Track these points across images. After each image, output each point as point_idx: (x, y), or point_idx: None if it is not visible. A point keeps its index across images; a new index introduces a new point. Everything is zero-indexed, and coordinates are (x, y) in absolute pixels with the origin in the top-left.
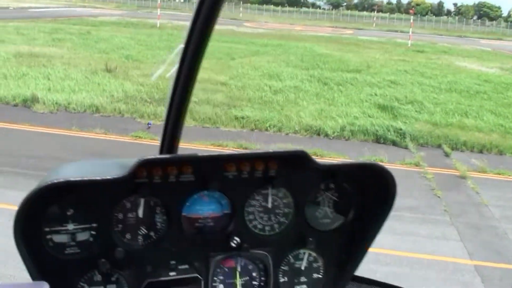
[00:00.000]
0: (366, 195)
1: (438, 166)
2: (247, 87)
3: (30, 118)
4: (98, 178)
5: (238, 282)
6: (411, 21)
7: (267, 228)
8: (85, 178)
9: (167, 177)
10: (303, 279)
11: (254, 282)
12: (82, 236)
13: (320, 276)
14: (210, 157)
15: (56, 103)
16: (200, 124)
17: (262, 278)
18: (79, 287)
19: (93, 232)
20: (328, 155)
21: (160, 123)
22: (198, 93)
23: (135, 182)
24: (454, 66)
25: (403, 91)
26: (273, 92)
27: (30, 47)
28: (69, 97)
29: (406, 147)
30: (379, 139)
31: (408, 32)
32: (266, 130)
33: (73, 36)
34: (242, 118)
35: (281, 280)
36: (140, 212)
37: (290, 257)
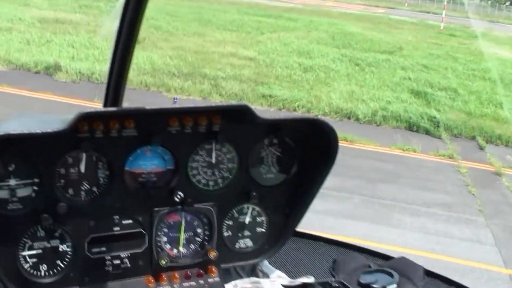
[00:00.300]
0: (309, 150)
1: (472, 159)
2: (276, 64)
3: (51, 86)
4: (38, 131)
5: (182, 236)
6: (445, 3)
7: (211, 183)
8: (25, 132)
9: (109, 132)
10: (246, 233)
11: (198, 237)
12: (24, 192)
13: (263, 230)
14: (152, 111)
15: (79, 72)
16: (226, 99)
17: (206, 232)
18: (22, 243)
19: (35, 188)
20: (359, 141)
21: (186, 97)
22: (225, 67)
23: (77, 137)
24: (487, 53)
25: (436, 76)
26: (302, 70)
27: (55, 12)
28: (92, 66)
29: (439, 137)
30: (412, 127)
31: (441, 14)
32: (295, 110)
33: (101, 3)
34: (270, 96)
35: (225, 234)
36: (82, 167)
37: (234, 211)
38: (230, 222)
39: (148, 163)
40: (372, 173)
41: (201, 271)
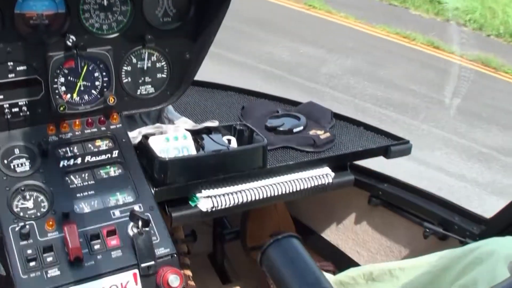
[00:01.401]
0: None
1: None
2: None
3: None
4: None
5: (80, 82)
6: None
7: (105, 27)
8: None
9: None
10: (147, 79)
11: (97, 83)
12: None
13: (164, 76)
14: None
15: None
16: (387, 1)
17: (105, 79)
18: None
19: None
20: None
21: None
22: None
23: None
24: None
25: None
26: None
27: None
28: None
29: None
30: None
31: None
32: (464, 25)
33: None
34: (439, 2)
35: (125, 80)
36: None
37: (132, 57)
38: (129, 68)
39: (39, 5)
40: None
41: (103, 118)
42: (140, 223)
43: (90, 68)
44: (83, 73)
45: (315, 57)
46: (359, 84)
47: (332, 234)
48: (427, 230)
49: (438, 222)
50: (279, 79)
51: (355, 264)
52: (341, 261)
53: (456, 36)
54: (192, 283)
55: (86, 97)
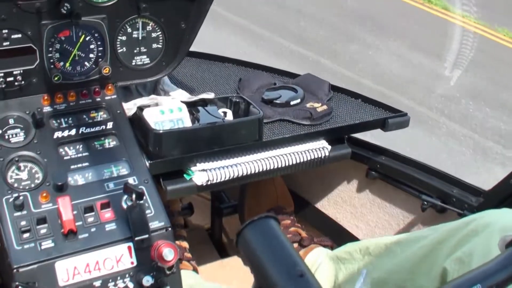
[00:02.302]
0: None
1: None
2: None
3: None
4: None
5: (75, 51)
6: None
7: None
8: None
9: None
10: (142, 49)
11: (92, 53)
12: None
13: (159, 46)
14: None
15: None
16: None
17: (100, 48)
18: None
19: None
20: None
21: None
22: None
23: None
24: None
25: None
26: None
27: None
28: None
29: None
30: None
31: None
32: None
33: None
34: None
35: (120, 50)
36: None
37: (127, 26)
38: (124, 38)
39: None
40: None
41: (97, 89)
42: (134, 196)
43: (85, 38)
44: (79, 43)
45: (429, 70)
46: (480, 111)
47: (331, 208)
48: (425, 202)
49: (436, 195)
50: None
51: (353, 238)
52: (340, 236)
53: None
54: (188, 255)
55: (80, 67)
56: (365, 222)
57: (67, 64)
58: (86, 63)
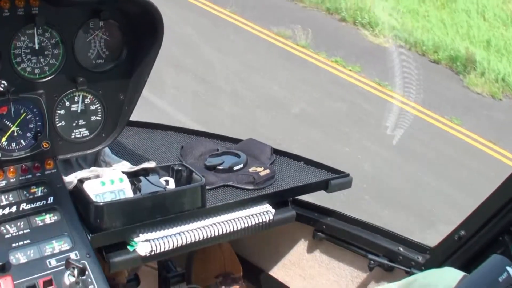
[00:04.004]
0: (137, 33)
1: None
2: None
3: None
4: None
5: (14, 128)
6: None
7: (37, 71)
8: None
9: None
10: (81, 122)
11: (31, 128)
12: None
13: (99, 118)
14: None
15: None
16: None
17: (38, 123)
18: None
19: None
20: None
21: None
22: None
23: None
24: None
25: None
26: None
27: None
28: None
29: None
30: None
31: None
32: None
33: None
34: None
35: (59, 124)
36: None
37: (65, 100)
38: (62, 111)
39: None
40: None
41: (37, 164)
42: (76, 271)
43: (22, 112)
44: (19, 120)
45: None
46: None
47: (280, 271)
48: (372, 261)
49: (383, 253)
50: None
51: None
52: None
53: None
54: None
55: (20, 143)
56: (315, 284)
57: (3, 139)
58: (25, 138)
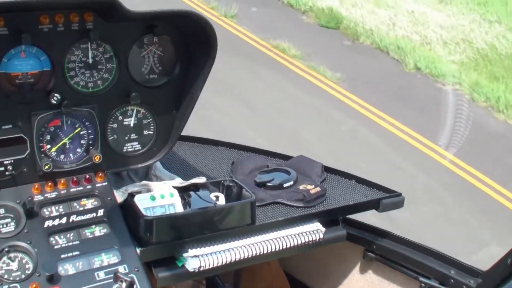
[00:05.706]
0: (190, 48)
1: None
2: None
3: None
4: None
5: (67, 141)
6: None
7: (90, 84)
8: None
9: None
10: (133, 136)
11: (83, 141)
12: None
13: (151, 132)
14: (21, 4)
15: None
16: None
17: (90, 136)
18: None
19: None
20: None
21: None
22: None
23: None
24: None
25: None
26: None
27: None
28: None
29: None
30: None
31: None
32: None
33: None
34: None
35: (110, 138)
36: None
37: (118, 114)
38: (115, 125)
39: (24, 64)
40: None
41: (88, 176)
42: (124, 285)
43: (76, 126)
44: (73, 134)
45: None
46: None
47: None
48: (423, 284)
49: (434, 276)
50: None
51: None
52: None
53: None
54: None
55: (72, 155)
56: None
57: (56, 152)
58: (76, 150)
